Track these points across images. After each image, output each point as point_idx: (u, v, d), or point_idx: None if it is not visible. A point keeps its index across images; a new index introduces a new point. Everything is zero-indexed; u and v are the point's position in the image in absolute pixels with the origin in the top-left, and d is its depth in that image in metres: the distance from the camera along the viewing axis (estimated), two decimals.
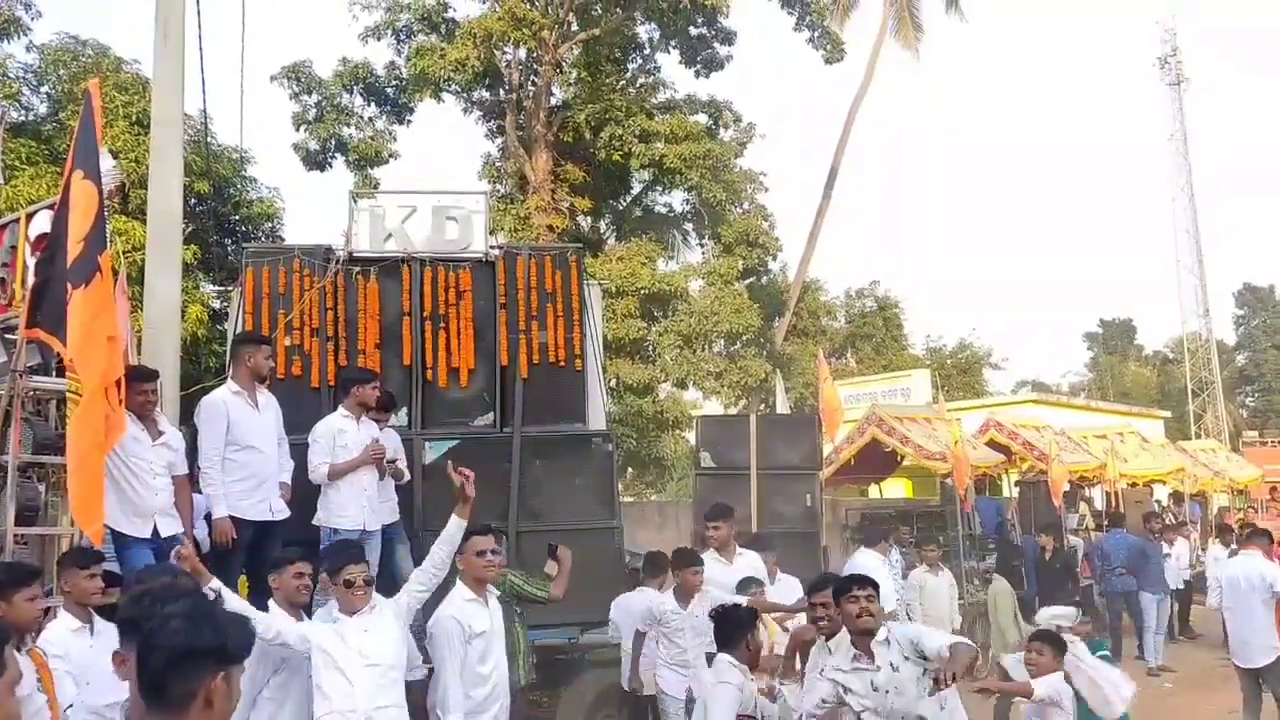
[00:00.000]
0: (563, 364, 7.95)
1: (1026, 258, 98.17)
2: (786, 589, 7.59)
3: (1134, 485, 18.40)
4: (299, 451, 6.57)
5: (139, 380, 5.58)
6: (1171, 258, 42.62)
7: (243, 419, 6.18)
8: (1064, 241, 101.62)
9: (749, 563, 7.18)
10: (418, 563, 6.94)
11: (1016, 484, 17.77)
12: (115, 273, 5.92)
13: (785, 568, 8.07)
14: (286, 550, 5.39)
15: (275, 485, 6.34)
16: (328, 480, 6.45)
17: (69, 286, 4.79)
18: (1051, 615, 6.67)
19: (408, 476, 7.13)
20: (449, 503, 7.35)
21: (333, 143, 20.24)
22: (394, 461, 6.90)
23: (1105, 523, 16.00)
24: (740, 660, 4.84)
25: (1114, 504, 17.47)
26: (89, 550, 4.72)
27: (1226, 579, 8.57)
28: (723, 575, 6.89)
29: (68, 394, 4.76)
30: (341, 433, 6.54)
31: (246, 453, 6.18)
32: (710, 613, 5.37)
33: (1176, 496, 20.04)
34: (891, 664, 4.49)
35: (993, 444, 16.50)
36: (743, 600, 6.11)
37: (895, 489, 20.87)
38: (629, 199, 22.51)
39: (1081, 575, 14.98)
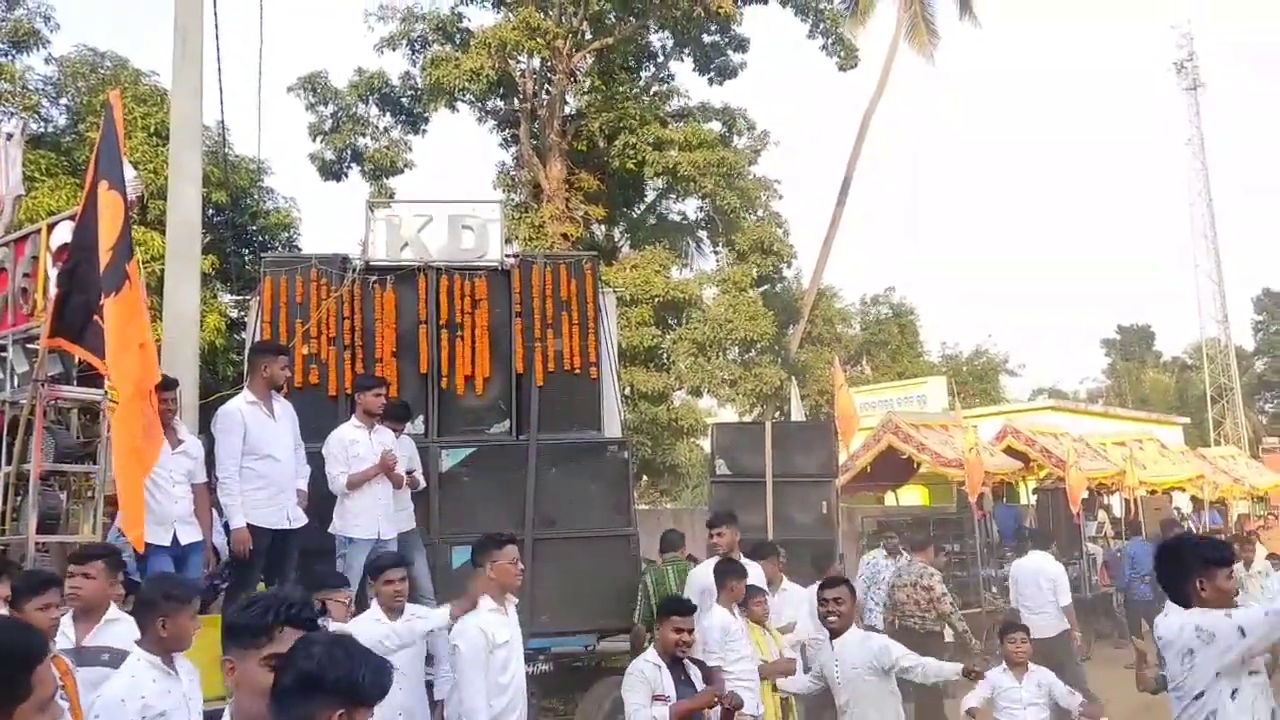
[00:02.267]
0: (578, 372, 7.98)
1: (1043, 264, 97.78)
2: (793, 597, 7.55)
3: (1153, 493, 18.29)
4: (315, 459, 6.61)
5: (159, 389, 5.63)
6: (1190, 263, 42.48)
7: (260, 428, 6.22)
8: (1081, 247, 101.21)
9: (753, 574, 7.13)
10: (433, 570, 7.00)
11: (1034, 491, 17.67)
12: None
13: (800, 576, 8.05)
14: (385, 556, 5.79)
15: (292, 493, 6.37)
16: (347, 490, 6.49)
17: (101, 295, 4.83)
18: None
19: (423, 484, 7.17)
20: (465, 510, 7.43)
21: (348, 153, 20.34)
22: (411, 472, 6.93)
23: (1125, 530, 15.88)
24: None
25: (1133, 511, 17.35)
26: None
27: None
28: None
29: (107, 403, 4.81)
30: (354, 443, 6.57)
31: (264, 462, 6.22)
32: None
33: (1196, 503, 19.91)
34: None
35: (1010, 451, 16.43)
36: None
37: (912, 496, 20.79)
38: (643, 207, 22.52)
39: (1100, 584, 14.91)
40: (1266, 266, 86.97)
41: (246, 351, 7.40)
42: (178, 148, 7.67)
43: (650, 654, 5.26)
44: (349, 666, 2.17)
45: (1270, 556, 10.94)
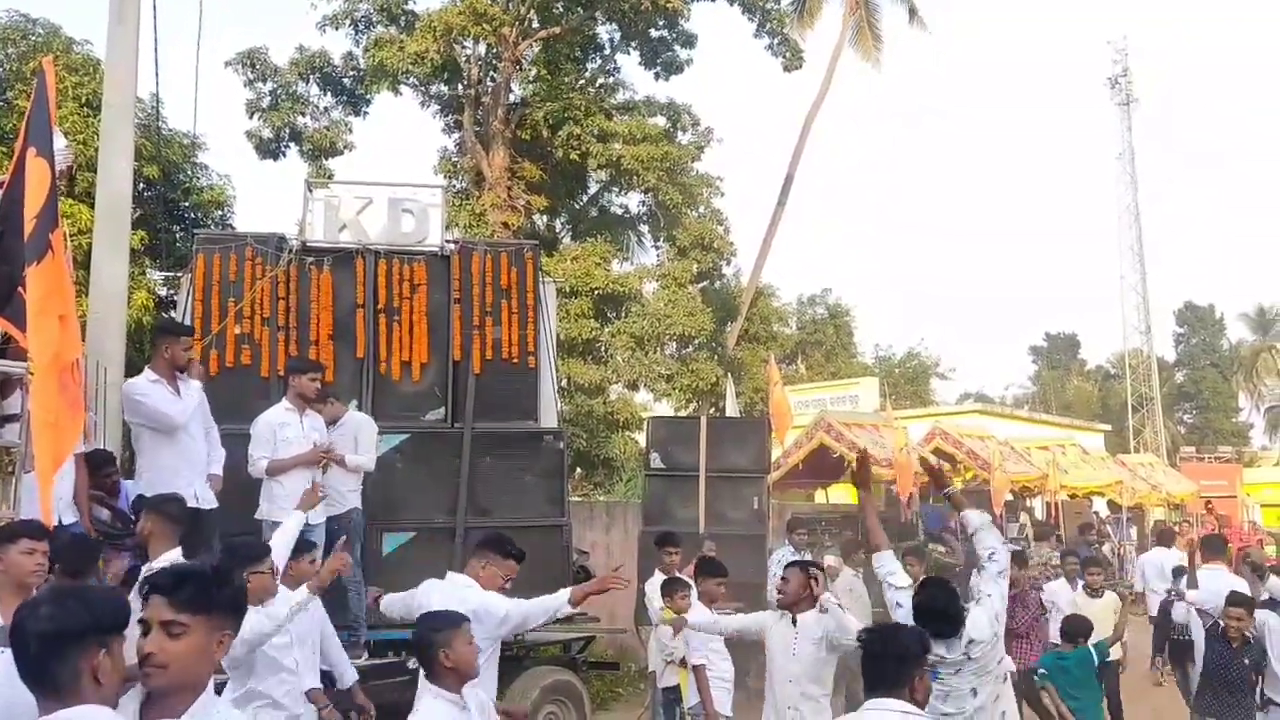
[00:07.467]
0: (515, 361, 7.96)
1: (977, 269, 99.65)
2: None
3: (1074, 497, 18.79)
4: (243, 441, 6.49)
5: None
6: (1116, 274, 43.56)
7: (164, 407, 6.09)
8: (1014, 254, 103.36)
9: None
10: (364, 556, 6.92)
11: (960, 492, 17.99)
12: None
13: (733, 570, 8.09)
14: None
15: (201, 474, 6.21)
16: (266, 475, 6.38)
17: (24, 266, 4.71)
18: None
19: (371, 466, 7.02)
20: (398, 497, 7.37)
21: (287, 131, 19.97)
22: (341, 455, 6.81)
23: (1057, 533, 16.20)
24: None
25: (1054, 514, 17.81)
26: None
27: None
28: None
29: (29, 377, 4.68)
30: (283, 426, 6.45)
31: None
32: None
33: (1114, 508, 20.51)
34: None
35: (938, 452, 16.75)
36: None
37: (842, 494, 21.07)
38: (585, 199, 22.48)
39: None
40: (1189, 280, 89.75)
41: None
42: (110, 119, 7.49)
43: None
44: (83, 608, 2.20)
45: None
